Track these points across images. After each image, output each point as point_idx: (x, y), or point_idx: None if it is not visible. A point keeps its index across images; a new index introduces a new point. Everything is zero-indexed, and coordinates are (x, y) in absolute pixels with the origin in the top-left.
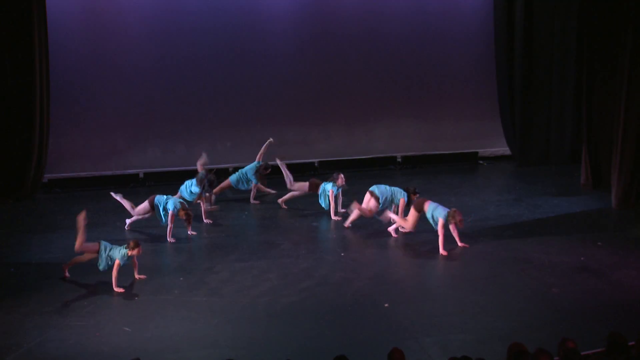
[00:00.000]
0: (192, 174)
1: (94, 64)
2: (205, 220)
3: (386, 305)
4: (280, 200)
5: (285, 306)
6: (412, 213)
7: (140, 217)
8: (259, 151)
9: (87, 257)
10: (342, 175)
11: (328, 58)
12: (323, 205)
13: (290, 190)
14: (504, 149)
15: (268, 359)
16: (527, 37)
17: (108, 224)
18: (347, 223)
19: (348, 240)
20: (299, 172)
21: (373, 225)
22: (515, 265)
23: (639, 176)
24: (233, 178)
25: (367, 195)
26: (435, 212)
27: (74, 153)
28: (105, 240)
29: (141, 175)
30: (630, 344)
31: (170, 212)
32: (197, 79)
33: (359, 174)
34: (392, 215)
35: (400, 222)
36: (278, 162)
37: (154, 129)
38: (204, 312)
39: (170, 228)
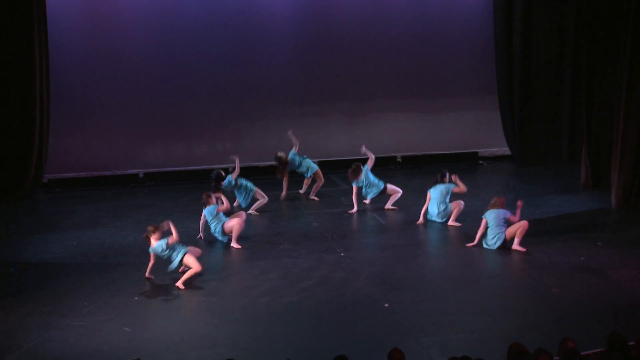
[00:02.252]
0: (192, 174)
1: (94, 64)
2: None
3: (386, 305)
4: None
5: (285, 306)
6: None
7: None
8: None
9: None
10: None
11: (328, 58)
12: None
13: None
14: (504, 149)
15: (268, 359)
16: (526, 37)
17: (108, 224)
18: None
19: (348, 240)
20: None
21: (373, 225)
22: (516, 265)
23: (639, 176)
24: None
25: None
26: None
27: (74, 153)
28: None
29: (141, 175)
30: (630, 344)
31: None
32: (197, 79)
33: None
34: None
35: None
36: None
37: (154, 129)
38: (204, 312)
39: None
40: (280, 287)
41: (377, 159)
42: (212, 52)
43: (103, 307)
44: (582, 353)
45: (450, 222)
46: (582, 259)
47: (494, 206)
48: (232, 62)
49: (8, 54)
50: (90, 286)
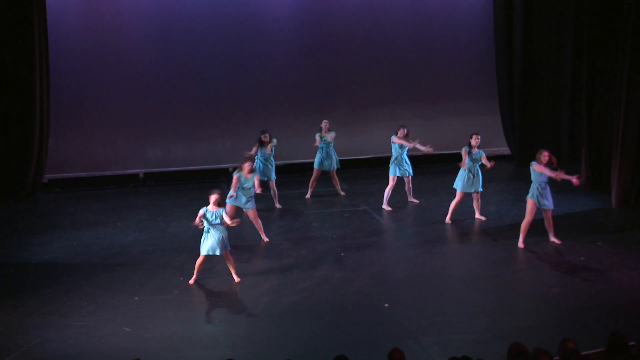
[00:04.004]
0: (192, 174)
1: (93, 64)
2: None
3: (386, 305)
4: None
5: (285, 306)
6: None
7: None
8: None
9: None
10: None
11: (328, 58)
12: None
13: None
14: (504, 149)
15: (268, 359)
16: (526, 38)
17: (108, 223)
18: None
19: (348, 240)
20: (298, 172)
21: (373, 225)
22: (515, 265)
23: (639, 176)
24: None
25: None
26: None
27: (74, 153)
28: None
29: (141, 175)
30: (630, 344)
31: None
32: (197, 78)
33: (359, 174)
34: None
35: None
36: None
37: (154, 129)
38: (204, 312)
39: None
40: (280, 287)
41: (377, 159)
42: (213, 52)
43: (103, 307)
44: (582, 353)
45: (447, 220)
46: (582, 259)
47: (543, 161)
48: (232, 63)
49: (8, 54)
50: (90, 286)
